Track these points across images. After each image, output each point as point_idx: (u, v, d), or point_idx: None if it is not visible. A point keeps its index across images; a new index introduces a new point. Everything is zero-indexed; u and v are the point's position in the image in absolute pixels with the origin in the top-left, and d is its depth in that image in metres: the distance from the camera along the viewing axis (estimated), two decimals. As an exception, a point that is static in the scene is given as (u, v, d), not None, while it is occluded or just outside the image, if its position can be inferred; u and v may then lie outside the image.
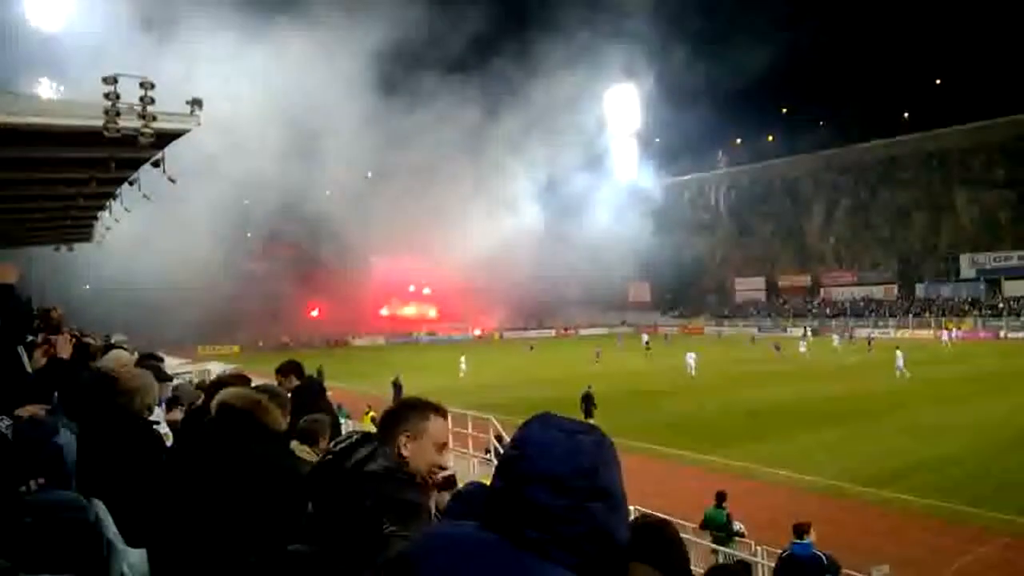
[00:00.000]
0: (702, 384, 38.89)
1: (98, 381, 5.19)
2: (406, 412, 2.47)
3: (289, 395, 3.66)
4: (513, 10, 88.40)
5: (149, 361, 7.45)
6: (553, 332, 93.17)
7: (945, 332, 63.35)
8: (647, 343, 62.98)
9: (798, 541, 9.93)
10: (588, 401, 26.82)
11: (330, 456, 2.15)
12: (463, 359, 47.68)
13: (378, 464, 2.08)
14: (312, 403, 5.39)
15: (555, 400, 28.43)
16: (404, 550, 1.41)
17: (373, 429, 2.52)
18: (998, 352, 52.57)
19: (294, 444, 3.64)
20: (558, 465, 1.26)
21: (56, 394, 5.51)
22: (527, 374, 46.55)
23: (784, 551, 10.12)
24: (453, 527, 1.37)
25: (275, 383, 5.41)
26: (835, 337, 62.23)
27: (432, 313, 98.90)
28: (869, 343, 58.98)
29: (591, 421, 25.37)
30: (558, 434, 1.31)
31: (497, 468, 1.35)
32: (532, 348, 67.97)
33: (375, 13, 71.55)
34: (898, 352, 40.37)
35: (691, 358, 42.89)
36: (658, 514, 3.32)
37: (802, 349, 53.59)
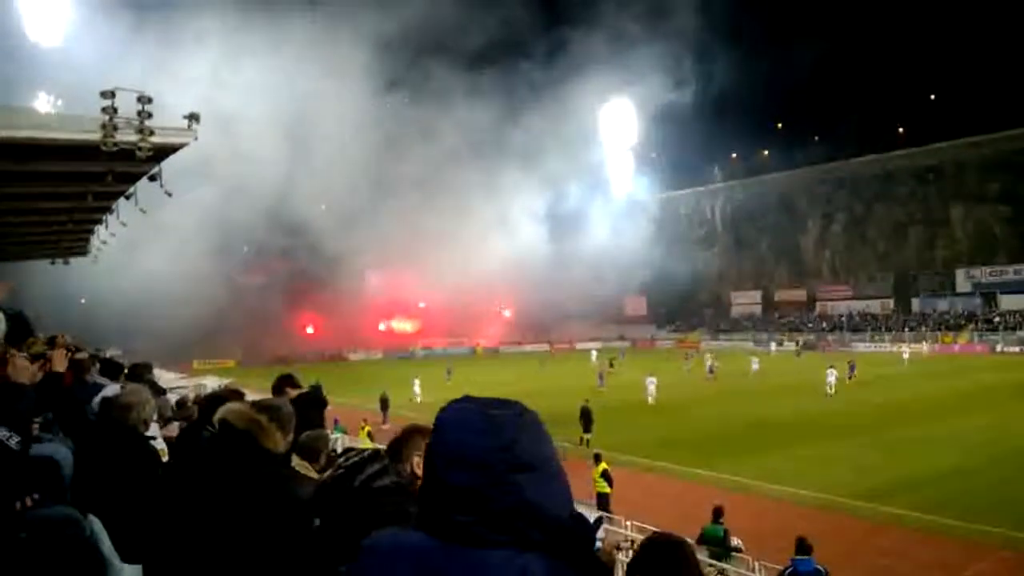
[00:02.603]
0: (684, 399, 38.23)
1: (94, 396, 5.17)
2: (416, 436, 2.60)
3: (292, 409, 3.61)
4: (510, 25, 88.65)
5: (138, 371, 7.45)
6: (548, 346, 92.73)
7: (906, 349, 61.19)
8: (611, 361, 56.79)
9: (800, 557, 9.89)
10: (586, 416, 26.71)
11: (341, 471, 2.15)
12: (417, 382, 41.01)
13: (389, 479, 2.09)
14: (310, 415, 5.39)
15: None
16: (349, 566, 1.39)
17: (369, 443, 2.52)
18: (958, 369, 51.47)
19: (295, 460, 3.61)
20: (474, 442, 1.23)
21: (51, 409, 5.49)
22: (495, 392, 43.97)
23: (786, 567, 10.07)
24: (393, 534, 1.32)
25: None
26: (708, 356, 55.94)
27: (429, 328, 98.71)
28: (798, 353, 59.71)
29: (588, 436, 25.34)
30: (471, 412, 1.28)
31: (424, 458, 1.32)
32: (449, 373, 51.67)
33: (369, 28, 71.84)
34: (831, 370, 40.15)
35: (651, 383, 37.17)
36: (673, 533, 3.23)
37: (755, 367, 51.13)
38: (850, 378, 43.35)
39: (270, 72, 65.17)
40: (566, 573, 1.22)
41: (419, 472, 2.37)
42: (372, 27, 71.89)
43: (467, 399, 1.34)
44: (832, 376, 39.65)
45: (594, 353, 65.37)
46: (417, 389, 40.12)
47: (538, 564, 1.19)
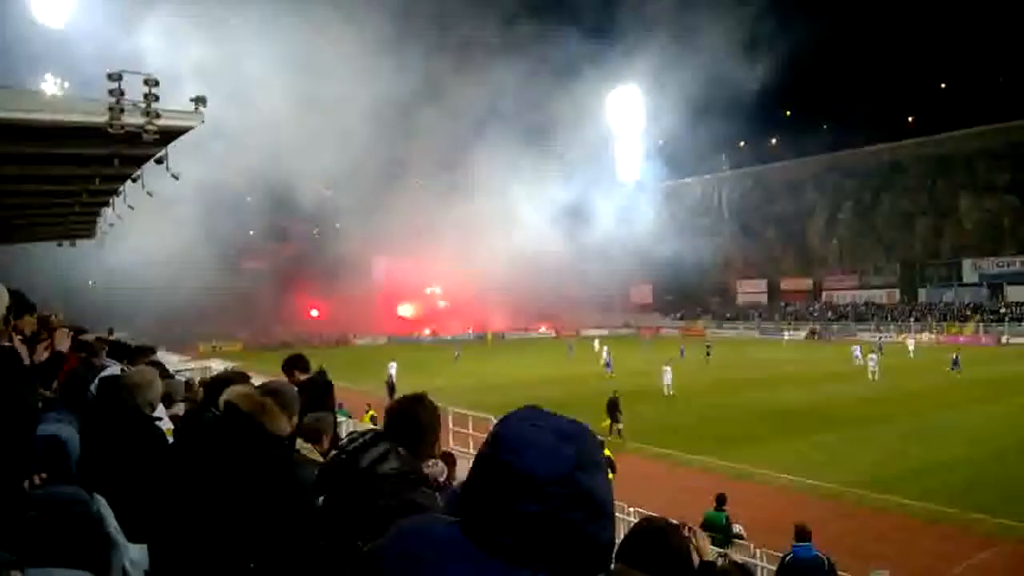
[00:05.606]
0: (694, 389, 37.50)
1: (101, 377, 5.20)
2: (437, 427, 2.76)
3: (297, 391, 3.63)
4: (519, 13, 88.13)
5: (141, 354, 7.48)
6: (553, 332, 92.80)
7: (912, 339, 59.85)
8: (707, 350, 55.21)
9: (800, 544, 9.91)
10: (614, 407, 25.50)
11: (344, 455, 2.16)
12: (393, 365, 37.50)
13: (391, 465, 2.09)
14: (319, 399, 5.43)
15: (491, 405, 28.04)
16: (376, 544, 1.34)
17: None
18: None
19: (299, 443, 3.63)
20: (534, 468, 1.14)
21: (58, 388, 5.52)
22: (477, 380, 41.91)
23: (786, 554, 10.09)
24: (427, 522, 1.27)
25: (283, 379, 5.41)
26: (597, 344, 53.85)
27: (437, 308, 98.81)
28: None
29: (619, 426, 24.83)
30: (537, 433, 1.18)
31: (473, 464, 1.24)
32: (457, 356, 52.63)
33: (382, 14, 71.47)
34: (872, 355, 41.00)
35: (667, 373, 35.77)
36: (665, 518, 3.12)
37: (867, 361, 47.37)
38: (955, 367, 41.69)
39: (283, 43, 64.50)
40: None
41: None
42: (388, 15, 71.50)
43: (531, 412, 1.23)
44: (873, 361, 39.53)
45: (596, 341, 65.03)
46: (392, 371, 36.76)
47: None
